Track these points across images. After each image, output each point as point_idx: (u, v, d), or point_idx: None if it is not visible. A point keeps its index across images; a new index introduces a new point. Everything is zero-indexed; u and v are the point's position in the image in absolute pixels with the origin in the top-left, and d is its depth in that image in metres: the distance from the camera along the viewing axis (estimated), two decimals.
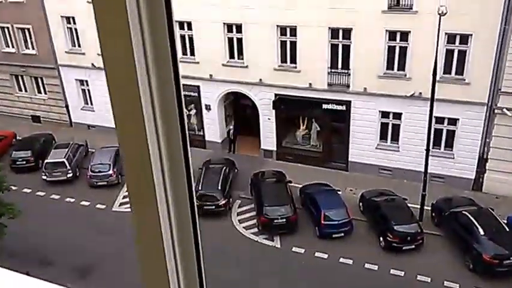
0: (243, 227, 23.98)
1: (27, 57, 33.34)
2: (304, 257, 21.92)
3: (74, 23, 30.87)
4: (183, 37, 28.56)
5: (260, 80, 27.43)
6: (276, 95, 27.51)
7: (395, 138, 26.37)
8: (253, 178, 25.90)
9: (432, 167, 23.62)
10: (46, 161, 27.84)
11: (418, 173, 23.88)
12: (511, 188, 24.36)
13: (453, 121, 24.75)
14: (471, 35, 22.74)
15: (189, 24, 27.99)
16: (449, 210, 22.35)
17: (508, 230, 20.88)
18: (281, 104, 27.61)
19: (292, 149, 29.12)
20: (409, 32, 23.70)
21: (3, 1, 32.03)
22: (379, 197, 23.59)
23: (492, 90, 23.37)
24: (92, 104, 32.99)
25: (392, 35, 24.22)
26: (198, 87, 29.17)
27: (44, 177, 27.56)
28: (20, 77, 34.95)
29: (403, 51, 24.32)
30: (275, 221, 22.74)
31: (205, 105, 29.71)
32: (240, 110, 31.62)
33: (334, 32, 25.27)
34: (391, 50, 24.57)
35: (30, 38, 32.79)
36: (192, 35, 28.20)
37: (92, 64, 30.40)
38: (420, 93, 24.13)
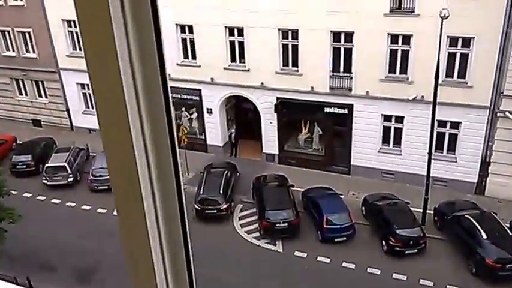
0: (245, 231, 23.89)
1: (28, 61, 33.29)
2: (306, 261, 21.83)
3: (75, 26, 30.77)
4: (184, 40, 28.56)
5: (262, 83, 27.37)
6: (277, 98, 27.45)
7: (397, 141, 26.30)
8: (255, 182, 25.81)
9: (435, 170, 23.55)
10: (47, 165, 27.77)
11: (421, 177, 23.81)
12: None
13: (455, 124, 24.68)
14: (473, 38, 22.70)
15: (191, 28, 27.96)
16: (452, 214, 22.27)
17: (510, 233, 20.81)
18: (283, 107, 27.55)
19: (294, 152, 29.05)
20: (411, 35, 23.66)
21: (3, 4, 32.01)
22: (381, 201, 23.52)
23: (494, 94, 23.31)
24: (93, 107, 32.93)
25: (394, 38, 24.17)
26: (200, 91, 29.15)
27: (45, 181, 27.49)
28: (20, 81, 34.88)
29: (405, 54, 24.27)
30: (277, 225, 22.65)
31: (207, 108, 29.65)
32: (241, 114, 31.56)
33: (336, 36, 25.23)
34: (393, 54, 24.52)
35: (31, 41, 32.74)
36: (193, 38, 28.17)
37: None
38: (422, 96, 24.08)
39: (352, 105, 26.11)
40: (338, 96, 26.09)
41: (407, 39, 23.94)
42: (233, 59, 27.92)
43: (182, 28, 28.25)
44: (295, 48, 26.26)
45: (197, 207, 24.07)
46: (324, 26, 24.81)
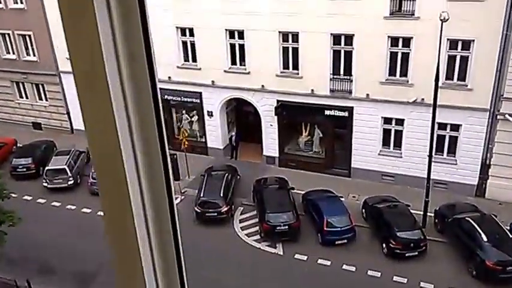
0: (245, 234, 23.88)
1: (28, 64, 33.33)
2: (307, 264, 21.81)
3: None
4: (184, 43, 28.62)
5: (262, 86, 27.40)
6: (278, 101, 27.49)
7: (397, 144, 26.32)
8: (256, 185, 25.82)
9: (435, 173, 23.58)
10: (47, 168, 27.77)
11: (421, 179, 23.83)
12: None
13: (456, 127, 24.71)
14: (473, 40, 22.74)
15: (191, 31, 28.01)
16: (452, 217, 22.27)
17: (511, 236, 20.80)
18: (283, 110, 27.57)
19: (294, 155, 29.07)
20: (411, 38, 23.70)
21: (3, 7, 32.06)
22: (381, 204, 23.52)
23: (494, 96, 23.35)
24: None
25: (394, 41, 24.22)
26: (200, 93, 29.19)
27: (45, 184, 27.47)
28: (20, 84, 34.92)
29: (405, 57, 24.31)
30: (277, 227, 22.64)
31: (207, 111, 29.68)
32: (242, 117, 31.59)
33: (336, 38, 25.27)
34: (393, 56, 24.56)
35: (31, 44, 32.79)
36: (194, 41, 28.21)
37: None
38: (423, 99, 24.11)
39: (352, 107, 26.13)
40: (338, 98, 26.12)
41: (407, 41, 23.98)
42: (233, 62, 27.96)
43: (183, 31, 28.31)
44: (295, 51, 26.30)
45: (197, 210, 24.08)
46: (324, 29, 24.85)
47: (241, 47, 27.39)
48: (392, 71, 24.82)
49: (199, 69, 28.48)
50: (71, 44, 1.03)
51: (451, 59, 23.61)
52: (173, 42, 28.39)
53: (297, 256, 22.21)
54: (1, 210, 19.87)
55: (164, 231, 1.28)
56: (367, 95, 25.45)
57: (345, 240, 22.48)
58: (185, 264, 1.37)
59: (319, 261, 21.84)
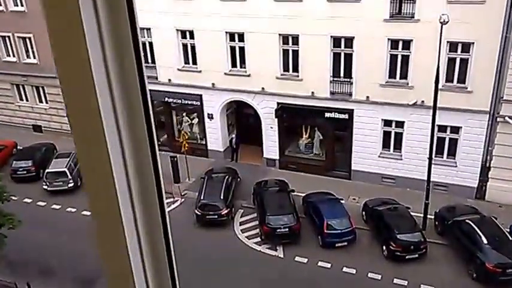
0: (246, 237, 23.88)
1: (28, 67, 33.35)
2: (307, 266, 21.81)
3: None
4: (185, 46, 28.64)
5: (262, 88, 27.43)
6: (278, 103, 27.51)
7: (398, 146, 26.34)
8: (256, 187, 25.81)
9: (435, 175, 23.60)
10: (47, 170, 27.76)
11: (421, 182, 23.84)
12: None
13: (456, 129, 24.72)
14: (473, 43, 22.76)
15: (191, 33, 28.04)
16: (453, 219, 22.28)
17: (511, 238, 20.81)
18: (283, 112, 27.59)
19: (295, 157, 29.10)
20: (411, 40, 23.72)
21: (4, 10, 32.09)
22: (382, 206, 23.51)
23: (494, 99, 23.37)
24: None
25: (394, 43, 24.24)
26: (201, 96, 29.20)
27: (45, 187, 27.47)
28: (21, 86, 34.94)
29: (405, 59, 24.33)
30: (278, 230, 22.64)
31: (208, 114, 29.69)
32: (242, 119, 31.60)
33: (336, 41, 25.30)
34: (393, 59, 24.58)
35: (31, 47, 32.80)
36: (194, 43, 28.23)
37: None
38: (422, 101, 24.13)
39: (352, 110, 26.15)
40: (338, 101, 26.14)
41: (407, 44, 24.01)
42: (234, 64, 27.99)
43: (183, 33, 28.35)
44: (295, 53, 26.33)
45: (198, 212, 24.09)
46: (324, 31, 24.87)
47: (242, 49, 27.41)
48: (392, 74, 24.84)
49: (200, 71, 28.51)
50: (54, 43, 1.01)
51: (451, 62, 23.63)
52: (173, 44, 28.42)
53: (297, 259, 22.21)
54: (1, 213, 19.87)
55: (155, 234, 1.26)
56: (367, 97, 25.47)
57: (345, 243, 22.48)
58: (177, 266, 1.36)
59: (320, 263, 21.84)
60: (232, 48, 27.70)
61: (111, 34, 1.04)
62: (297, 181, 26.56)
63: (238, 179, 27.15)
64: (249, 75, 27.57)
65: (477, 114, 23.79)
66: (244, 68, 27.74)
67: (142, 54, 1.12)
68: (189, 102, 29.77)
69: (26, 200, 26.73)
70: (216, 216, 24.06)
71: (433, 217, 23.40)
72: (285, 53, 26.64)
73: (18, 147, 32.30)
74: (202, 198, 24.48)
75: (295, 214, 23.17)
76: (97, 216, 1.19)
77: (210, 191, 24.79)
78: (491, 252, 20.16)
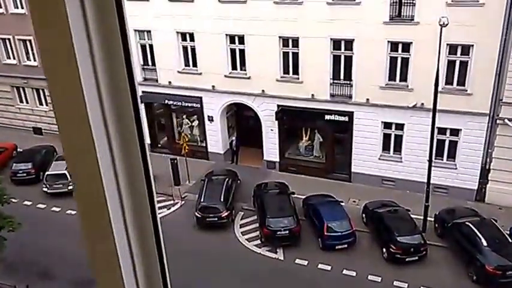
0: (246, 239, 23.87)
1: (29, 69, 33.38)
2: (307, 269, 21.80)
3: None
4: (185, 48, 28.68)
5: (263, 91, 27.45)
6: (278, 106, 27.54)
7: (398, 149, 26.35)
8: (256, 189, 25.81)
9: (435, 177, 23.61)
10: (47, 173, 27.74)
11: (421, 184, 23.84)
12: None
13: (455, 132, 24.75)
14: (472, 45, 22.80)
15: (191, 36, 28.08)
16: (452, 221, 22.29)
17: (511, 241, 20.82)
18: (284, 115, 27.61)
19: (295, 160, 29.11)
20: (411, 43, 23.76)
21: (4, 12, 32.14)
22: (382, 208, 23.53)
23: (494, 101, 23.40)
24: None
25: (394, 46, 24.28)
26: (201, 98, 29.22)
27: (45, 189, 27.45)
28: (21, 89, 34.99)
29: (405, 62, 24.36)
30: (278, 232, 22.64)
31: (208, 116, 29.71)
32: (242, 121, 31.62)
33: (336, 43, 25.33)
34: (393, 61, 24.62)
35: (32, 49, 32.83)
36: (194, 46, 28.27)
37: None
38: (422, 104, 24.16)
39: (352, 112, 26.17)
40: (338, 103, 26.17)
41: (407, 46, 24.04)
42: (234, 67, 28.02)
43: (183, 36, 28.38)
44: (295, 55, 26.36)
45: (198, 215, 24.08)
46: (324, 34, 24.91)
47: (242, 52, 27.45)
48: (392, 76, 24.87)
49: (200, 74, 28.54)
50: (41, 43, 1.00)
51: (451, 64, 23.67)
52: (173, 47, 28.46)
53: (297, 261, 22.20)
54: (1, 216, 19.87)
55: (146, 237, 1.25)
56: (367, 99, 25.50)
57: (345, 245, 22.48)
58: (169, 270, 1.34)
59: (320, 266, 21.84)
60: (233, 51, 27.74)
61: (100, 35, 1.03)
62: (297, 183, 26.56)
63: (239, 181, 27.15)
64: (249, 78, 27.60)
65: (477, 116, 23.82)
66: (245, 70, 27.76)
67: (132, 55, 1.11)
68: (189, 105, 29.79)
69: (26, 202, 26.72)
70: (216, 219, 24.06)
71: (433, 219, 23.40)
72: (285, 55, 26.67)
73: (18, 149, 32.32)
74: (202, 200, 24.48)
75: (295, 216, 23.18)
76: (86, 220, 1.18)
77: (210, 193, 24.79)
78: (491, 254, 20.16)
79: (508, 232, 21.46)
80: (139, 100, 1.15)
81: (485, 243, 20.43)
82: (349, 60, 25.39)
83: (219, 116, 29.55)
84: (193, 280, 20.61)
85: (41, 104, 34.82)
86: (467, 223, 21.66)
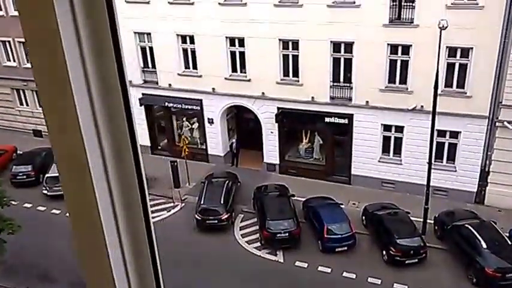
0: (246, 242, 23.87)
1: (29, 71, 33.22)
2: (307, 271, 21.79)
3: None
4: (185, 51, 28.72)
5: (263, 93, 27.49)
6: (278, 108, 27.56)
7: (397, 151, 26.38)
8: (256, 192, 25.83)
9: (434, 180, 23.63)
10: (47, 175, 27.67)
11: (421, 186, 23.87)
12: None
13: (455, 134, 24.78)
14: (472, 48, 22.84)
15: (192, 38, 28.11)
16: (452, 224, 22.29)
17: (510, 243, 20.83)
18: (284, 117, 27.65)
19: (295, 162, 29.13)
20: (411, 45, 23.80)
21: (4, 15, 32.18)
22: (381, 211, 23.53)
23: (493, 104, 23.44)
24: None
25: (393, 48, 24.33)
26: (201, 100, 29.25)
27: (45, 191, 27.40)
28: (21, 91, 35.03)
29: (405, 64, 24.40)
30: (278, 235, 22.64)
31: (208, 118, 29.73)
32: (242, 124, 31.64)
33: (336, 46, 25.38)
34: (392, 64, 24.66)
35: None
36: (194, 48, 28.31)
37: None
38: (422, 106, 24.20)
39: (352, 115, 26.21)
40: (338, 106, 26.20)
41: (406, 49, 24.09)
42: (234, 69, 28.06)
43: (183, 38, 28.42)
44: (295, 58, 26.40)
45: (198, 217, 24.08)
46: (324, 37, 24.95)
47: (242, 54, 27.49)
48: (391, 79, 24.91)
49: (200, 76, 28.58)
50: (29, 43, 0.99)
51: (450, 67, 23.72)
52: (174, 49, 28.50)
53: (297, 263, 22.20)
54: (1, 218, 19.89)
55: (138, 236, 1.23)
56: (367, 102, 25.53)
57: (345, 248, 22.48)
58: (161, 268, 1.33)
59: (320, 268, 21.83)
60: (233, 53, 27.78)
61: (90, 35, 1.03)
62: (297, 186, 26.58)
63: (239, 184, 27.16)
64: (249, 80, 27.64)
65: (476, 119, 23.85)
66: (245, 72, 27.81)
67: (123, 55, 1.10)
68: (189, 107, 29.81)
69: (26, 204, 26.72)
70: (216, 221, 24.06)
71: (432, 222, 23.41)
72: (285, 58, 26.71)
73: (18, 152, 32.33)
74: (202, 203, 24.48)
75: (295, 219, 23.18)
76: (76, 221, 1.17)
77: (210, 195, 24.80)
78: (490, 256, 20.16)
79: (508, 234, 21.47)
80: (131, 100, 1.13)
81: (484, 246, 20.43)
82: (349, 62, 25.43)
83: (219, 118, 29.58)
84: (193, 282, 20.62)
85: (41, 106, 34.78)
86: (466, 225, 21.67)
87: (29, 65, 33.26)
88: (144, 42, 29.40)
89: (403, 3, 23.47)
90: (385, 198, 25.27)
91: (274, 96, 27.34)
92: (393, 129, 25.96)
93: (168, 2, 27.50)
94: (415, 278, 20.78)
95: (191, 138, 30.39)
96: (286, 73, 26.96)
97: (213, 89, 28.56)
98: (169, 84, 29.38)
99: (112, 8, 1.04)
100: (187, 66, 29.03)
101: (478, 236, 20.87)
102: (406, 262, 21.36)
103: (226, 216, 24.17)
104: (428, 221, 23.18)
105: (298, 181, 27.67)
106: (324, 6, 24.51)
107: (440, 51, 20.66)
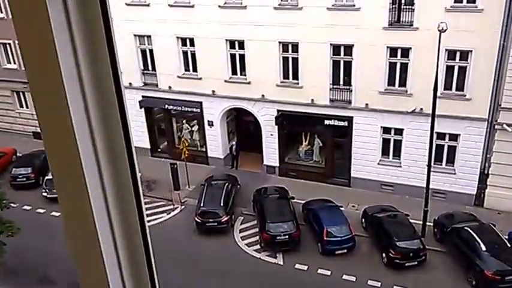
0: (246, 244, 23.87)
1: None
2: (307, 274, 21.80)
3: None
4: (185, 53, 28.76)
5: (262, 96, 27.52)
6: (278, 111, 27.59)
7: (397, 154, 26.41)
8: (256, 194, 25.83)
9: (434, 182, 23.64)
10: (47, 177, 27.66)
11: (420, 189, 23.90)
12: None
13: (454, 137, 24.82)
14: (471, 51, 22.89)
15: (192, 41, 28.15)
16: (451, 226, 22.31)
17: (509, 245, 20.85)
18: (283, 120, 27.67)
19: (294, 164, 29.17)
20: (410, 48, 23.85)
21: (5, 17, 32.19)
22: (381, 213, 23.54)
23: (492, 106, 23.48)
24: None
25: (393, 51, 24.37)
26: (201, 103, 29.28)
27: (45, 194, 27.32)
28: (21, 93, 35.01)
29: (404, 67, 24.45)
30: (278, 237, 22.65)
31: (208, 121, 29.76)
32: (242, 126, 31.67)
33: (335, 49, 25.42)
34: (392, 66, 24.70)
35: None
36: (194, 51, 28.35)
37: None
38: (421, 109, 24.23)
39: (352, 117, 26.24)
40: (338, 108, 26.23)
41: (406, 52, 24.13)
42: (234, 72, 28.08)
43: (183, 41, 28.45)
44: (295, 61, 26.44)
45: (198, 219, 24.08)
46: (324, 39, 24.99)
47: (242, 57, 27.52)
48: (391, 81, 24.96)
49: (200, 78, 28.61)
50: (22, 45, 0.99)
51: (450, 69, 23.76)
52: (174, 52, 28.54)
53: (297, 266, 22.21)
54: (1, 220, 19.90)
55: (133, 240, 1.23)
56: (367, 104, 25.57)
57: (345, 250, 22.49)
58: (161, 270, 1.35)
59: (320, 271, 21.84)
60: (233, 56, 27.81)
61: (83, 36, 1.02)
62: (296, 188, 26.60)
63: (238, 186, 27.17)
64: (249, 83, 27.67)
65: (475, 121, 23.89)
66: (245, 75, 27.83)
67: (118, 55, 1.09)
68: (189, 109, 29.85)
69: (26, 207, 26.73)
70: (216, 224, 24.05)
71: (432, 224, 23.42)
72: (285, 60, 26.75)
73: (18, 154, 32.32)
74: (202, 205, 24.48)
75: (295, 221, 23.19)
76: (70, 228, 1.17)
77: (210, 198, 24.80)
78: (490, 259, 20.18)
79: (507, 237, 21.50)
80: (126, 102, 1.13)
81: (484, 248, 20.45)
82: (348, 65, 25.48)
83: (219, 120, 29.61)
84: (192, 284, 20.64)
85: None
86: (466, 228, 21.69)
87: None
88: (144, 44, 29.44)
89: (402, 6, 23.53)
90: (384, 200, 25.29)
91: (274, 99, 27.38)
92: (393, 131, 25.99)
93: (168, 5, 27.56)
94: (415, 281, 20.81)
95: (191, 141, 30.40)
96: (286, 76, 27.00)
97: (213, 91, 28.60)
98: (169, 87, 29.42)
99: (106, 9, 1.04)
100: (187, 69, 29.07)
101: (477, 238, 20.89)
102: (406, 265, 21.37)
103: (226, 218, 24.18)
104: (427, 223, 23.19)
105: (298, 183, 27.70)
106: (324, 9, 24.56)
107: (439, 53, 20.72)
